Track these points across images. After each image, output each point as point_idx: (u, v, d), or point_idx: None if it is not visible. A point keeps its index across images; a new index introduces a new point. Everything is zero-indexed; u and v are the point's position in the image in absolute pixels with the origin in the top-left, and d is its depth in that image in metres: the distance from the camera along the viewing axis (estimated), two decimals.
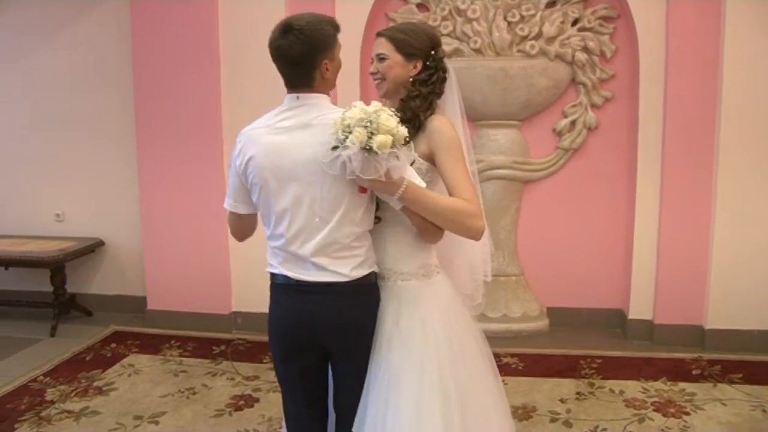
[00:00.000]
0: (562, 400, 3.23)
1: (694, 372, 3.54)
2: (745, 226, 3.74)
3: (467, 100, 2.10)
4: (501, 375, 2.07)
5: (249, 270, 4.02)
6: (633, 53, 3.91)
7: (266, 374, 3.57)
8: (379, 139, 1.62)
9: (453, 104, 1.99)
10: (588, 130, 4.07)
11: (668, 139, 3.80)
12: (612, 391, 3.33)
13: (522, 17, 3.90)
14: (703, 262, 3.83)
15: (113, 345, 4.06)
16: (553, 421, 3.04)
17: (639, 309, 3.98)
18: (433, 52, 1.94)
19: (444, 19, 3.99)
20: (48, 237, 4.61)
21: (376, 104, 1.70)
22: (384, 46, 1.93)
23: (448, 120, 1.90)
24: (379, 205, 1.88)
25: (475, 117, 3.96)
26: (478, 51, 3.94)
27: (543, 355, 3.78)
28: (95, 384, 3.51)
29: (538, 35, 3.89)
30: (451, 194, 1.81)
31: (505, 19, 3.92)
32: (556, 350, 3.83)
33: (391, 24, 3.60)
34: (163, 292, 4.34)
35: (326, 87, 1.84)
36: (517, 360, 3.69)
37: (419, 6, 4.08)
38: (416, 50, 1.92)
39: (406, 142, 1.71)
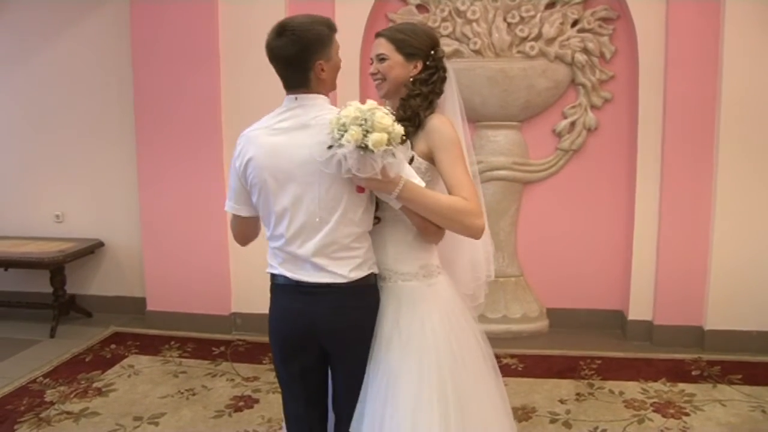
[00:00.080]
0: (561, 401, 3.23)
1: (693, 373, 3.54)
2: (745, 227, 3.75)
3: (467, 102, 2.10)
4: (501, 376, 2.06)
5: (248, 271, 4.02)
6: (632, 54, 3.91)
7: (266, 375, 3.57)
8: (374, 137, 1.62)
9: (452, 104, 1.99)
10: (588, 131, 4.07)
11: (668, 140, 3.81)
12: (611, 391, 3.33)
13: (522, 18, 3.91)
14: (702, 263, 3.83)
15: (113, 346, 4.06)
16: (552, 422, 3.04)
17: (639, 310, 3.99)
18: (432, 52, 1.95)
19: (444, 20, 4.00)
20: (47, 238, 4.61)
21: (371, 103, 1.70)
22: (384, 47, 1.93)
23: (447, 119, 1.90)
24: (378, 205, 1.88)
25: (475, 118, 3.96)
26: (477, 52, 3.95)
27: (543, 356, 3.78)
28: (95, 385, 3.51)
29: (538, 36, 3.90)
30: (450, 193, 1.81)
31: (504, 20, 3.92)
32: (555, 351, 3.84)
33: (391, 25, 3.60)
34: (162, 293, 4.34)
35: (323, 87, 1.84)
36: (517, 361, 3.69)
37: (419, 7, 4.08)
38: (416, 50, 1.93)
39: (403, 141, 1.72)
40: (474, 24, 3.93)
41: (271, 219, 1.85)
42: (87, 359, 3.86)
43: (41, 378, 3.58)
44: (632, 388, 3.35)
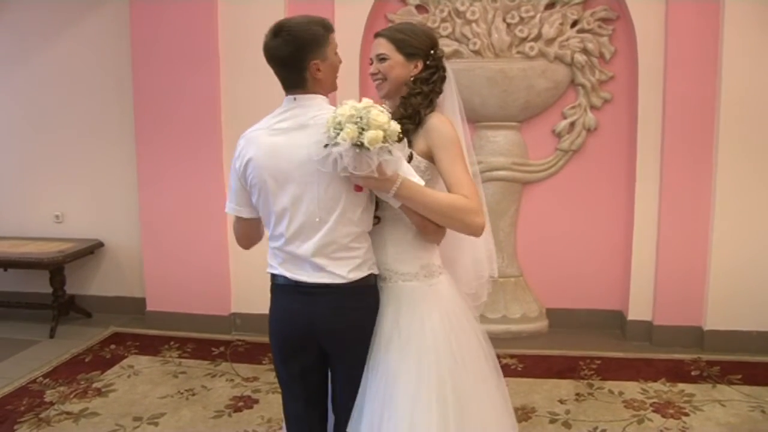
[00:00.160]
0: (561, 401, 3.23)
1: (693, 373, 3.54)
2: (744, 228, 3.75)
3: (466, 102, 2.10)
4: (503, 376, 2.05)
5: (248, 271, 4.02)
6: (632, 55, 3.91)
7: (265, 375, 3.57)
8: (369, 135, 1.62)
9: (452, 104, 2.00)
10: (587, 132, 4.07)
11: (667, 141, 3.81)
12: (611, 392, 3.33)
13: (521, 19, 3.91)
14: (702, 263, 3.83)
15: (112, 346, 4.06)
16: (552, 422, 3.04)
17: (638, 310, 3.99)
18: (432, 52, 1.96)
19: (443, 20, 4.00)
20: (47, 238, 4.61)
21: (366, 101, 1.70)
22: (384, 47, 1.94)
23: (446, 118, 1.91)
24: (378, 204, 1.87)
25: (475, 118, 3.96)
26: (477, 53, 3.95)
27: (542, 356, 3.78)
28: (94, 385, 3.51)
29: (538, 37, 3.90)
30: (450, 191, 1.81)
31: (504, 20, 3.93)
32: (555, 351, 3.84)
33: (390, 25, 3.60)
34: (162, 294, 4.34)
35: (321, 87, 1.84)
36: (517, 361, 3.69)
37: (418, 7, 4.08)
38: (417, 50, 1.93)
39: (400, 139, 1.72)
40: (473, 24, 3.94)
41: (271, 219, 1.85)
42: (87, 359, 3.86)
43: (41, 378, 3.58)
44: (632, 389, 3.35)
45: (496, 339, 2.03)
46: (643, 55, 3.83)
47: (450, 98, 2.00)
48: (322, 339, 1.86)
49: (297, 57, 1.78)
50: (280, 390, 2.03)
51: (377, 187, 1.75)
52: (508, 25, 3.93)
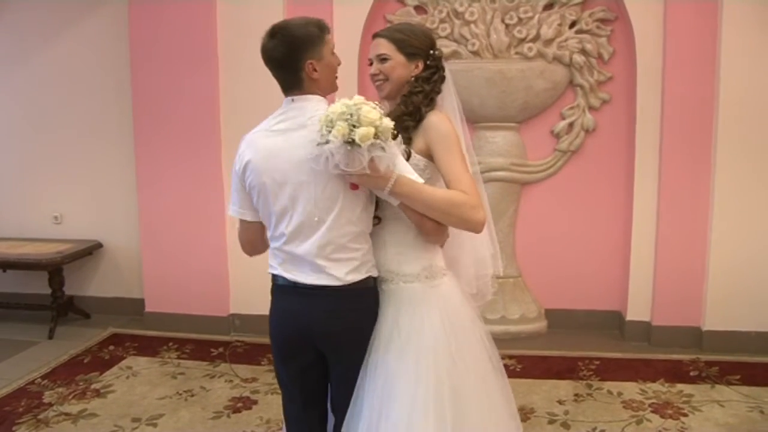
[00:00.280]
0: (560, 402, 3.23)
1: (691, 373, 3.54)
2: (743, 228, 3.75)
3: (465, 103, 2.11)
4: (506, 377, 2.04)
5: (247, 272, 4.01)
6: (630, 55, 3.91)
7: (264, 376, 3.57)
8: (360, 131, 1.62)
9: (451, 104, 2.00)
10: (586, 132, 4.08)
11: (666, 141, 3.81)
12: (610, 392, 3.33)
13: (520, 19, 3.91)
14: (700, 263, 3.83)
15: (111, 347, 4.06)
16: (551, 422, 3.04)
17: (637, 310, 3.99)
18: (432, 52, 1.96)
19: (442, 21, 4.00)
20: (46, 239, 4.61)
21: (358, 98, 1.70)
22: (385, 47, 1.94)
23: (445, 115, 1.90)
24: (379, 204, 1.87)
25: (473, 119, 3.96)
26: (475, 53, 3.95)
27: (541, 356, 3.78)
28: (93, 386, 3.50)
29: (536, 37, 3.90)
30: (448, 188, 1.80)
31: (502, 21, 3.93)
32: (554, 352, 3.84)
33: (388, 26, 3.60)
34: (161, 295, 4.33)
35: (318, 88, 1.84)
36: (515, 362, 3.69)
37: (417, 8, 4.09)
38: (417, 50, 1.94)
39: (395, 136, 1.71)
40: (472, 25, 3.94)
41: (272, 219, 1.85)
42: (85, 360, 3.86)
43: (39, 379, 3.57)
44: (630, 389, 3.36)
45: (494, 339, 2.02)
46: (641, 55, 3.84)
47: (449, 98, 2.00)
48: (319, 341, 1.85)
49: (292, 57, 1.78)
50: (278, 391, 2.03)
51: (371, 184, 1.74)
52: (507, 25, 3.93)
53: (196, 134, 4.11)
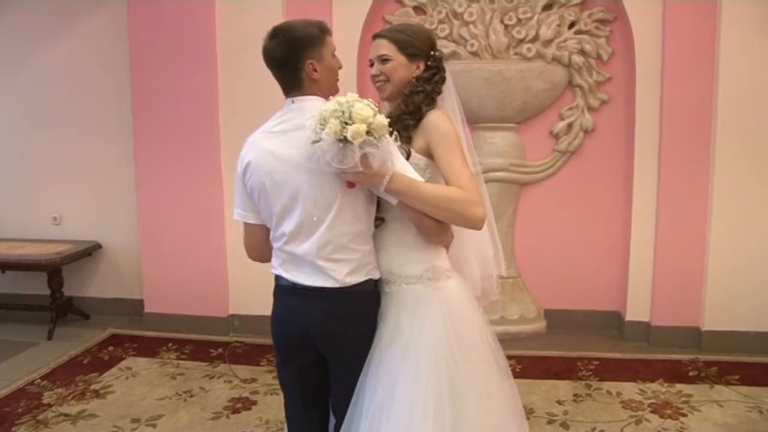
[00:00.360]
0: (559, 402, 3.24)
1: (690, 373, 3.55)
2: (742, 228, 3.76)
3: (464, 104, 2.10)
4: (512, 378, 2.04)
5: (246, 273, 4.01)
6: (629, 56, 3.92)
7: (264, 377, 3.57)
8: (352, 128, 1.62)
9: (451, 104, 2.00)
10: (585, 133, 4.08)
11: (665, 142, 3.81)
12: (609, 392, 3.33)
13: (519, 20, 3.91)
14: (699, 263, 3.84)
15: (110, 348, 4.06)
16: (550, 422, 3.04)
17: (636, 311, 3.99)
18: (432, 52, 1.96)
19: (441, 22, 4.00)
20: (45, 240, 4.61)
21: (351, 95, 1.70)
22: (386, 47, 1.93)
23: (445, 114, 1.90)
24: (381, 206, 1.86)
25: (472, 120, 3.96)
26: (474, 54, 3.95)
27: (540, 357, 3.78)
28: (92, 387, 3.50)
29: (535, 38, 3.90)
30: (448, 185, 1.78)
31: (501, 22, 3.93)
32: (553, 352, 3.84)
33: (388, 26, 3.60)
34: (160, 295, 4.33)
35: (318, 88, 1.84)
36: (515, 362, 3.68)
37: (416, 9, 4.08)
38: (418, 50, 1.94)
39: (390, 133, 1.71)
40: (471, 26, 3.94)
41: (273, 220, 1.86)
42: (84, 361, 3.86)
43: (39, 380, 3.57)
44: (630, 389, 3.36)
45: None
46: (640, 56, 3.84)
47: (449, 99, 1.99)
48: (318, 342, 1.85)
49: (293, 57, 1.79)
50: (278, 392, 2.03)
51: (367, 182, 1.73)
52: (506, 26, 3.93)
53: (196, 134, 4.11)
